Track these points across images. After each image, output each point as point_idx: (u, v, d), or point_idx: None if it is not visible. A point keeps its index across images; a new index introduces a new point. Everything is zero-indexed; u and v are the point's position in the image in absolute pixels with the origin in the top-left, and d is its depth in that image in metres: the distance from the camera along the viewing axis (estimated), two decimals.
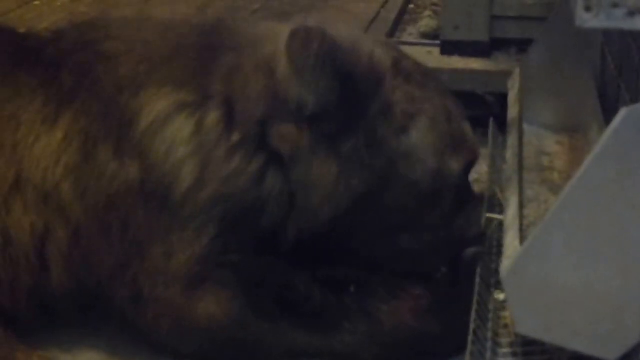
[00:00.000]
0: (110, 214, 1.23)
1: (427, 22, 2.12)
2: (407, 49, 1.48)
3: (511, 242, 1.17)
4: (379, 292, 1.27)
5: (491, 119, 1.68)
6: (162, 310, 1.23)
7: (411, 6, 2.38)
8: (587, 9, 0.96)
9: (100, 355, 1.30)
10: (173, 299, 1.23)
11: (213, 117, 1.23)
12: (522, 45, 1.85)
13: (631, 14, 0.95)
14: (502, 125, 1.65)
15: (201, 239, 1.23)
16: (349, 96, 1.20)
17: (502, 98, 1.74)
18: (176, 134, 1.22)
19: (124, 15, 1.43)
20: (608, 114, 1.45)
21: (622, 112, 0.95)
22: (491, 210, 1.43)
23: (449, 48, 1.90)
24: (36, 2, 2.65)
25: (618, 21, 0.95)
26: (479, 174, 1.62)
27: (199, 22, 1.36)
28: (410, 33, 2.08)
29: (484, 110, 1.79)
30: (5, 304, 1.22)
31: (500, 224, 1.35)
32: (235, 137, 1.22)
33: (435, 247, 1.33)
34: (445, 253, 1.35)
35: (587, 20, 0.96)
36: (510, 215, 1.25)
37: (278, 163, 1.23)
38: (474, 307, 1.21)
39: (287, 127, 1.22)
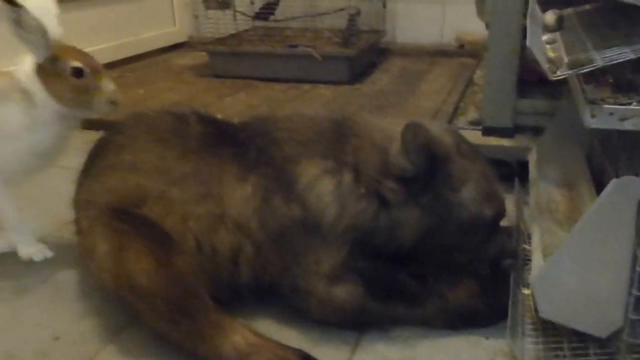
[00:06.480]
0: (281, 238, 1.26)
1: (472, 115, 2.14)
2: (461, 132, 1.48)
3: (537, 258, 1.20)
4: (447, 283, 1.30)
5: (516, 178, 1.70)
6: (313, 297, 1.27)
7: (462, 104, 2.40)
8: (593, 116, 1.02)
9: (273, 321, 1.33)
10: (320, 290, 1.26)
11: (348, 177, 1.26)
12: (535, 131, 1.86)
13: (621, 119, 1.00)
14: (522, 182, 1.67)
15: (340, 253, 1.26)
16: (430, 168, 1.23)
17: (523, 165, 1.74)
18: (324, 189, 1.25)
19: (286, 112, 1.42)
20: (594, 175, 1.49)
21: (612, 182, 0.97)
22: (517, 237, 1.45)
23: (487, 131, 1.92)
24: (228, 98, 2.71)
25: (613, 124, 1.01)
26: (509, 214, 1.62)
27: (332, 117, 1.35)
28: (462, 121, 2.11)
29: (511, 172, 1.79)
30: (211, 291, 1.23)
31: (525, 249, 1.39)
32: (362, 189, 1.26)
33: (475, 260, 1.35)
34: (482, 264, 1.35)
35: (592, 123, 1.03)
36: (535, 242, 1.30)
37: (386, 207, 1.26)
38: (510, 297, 1.25)
39: (391, 184, 1.24)
